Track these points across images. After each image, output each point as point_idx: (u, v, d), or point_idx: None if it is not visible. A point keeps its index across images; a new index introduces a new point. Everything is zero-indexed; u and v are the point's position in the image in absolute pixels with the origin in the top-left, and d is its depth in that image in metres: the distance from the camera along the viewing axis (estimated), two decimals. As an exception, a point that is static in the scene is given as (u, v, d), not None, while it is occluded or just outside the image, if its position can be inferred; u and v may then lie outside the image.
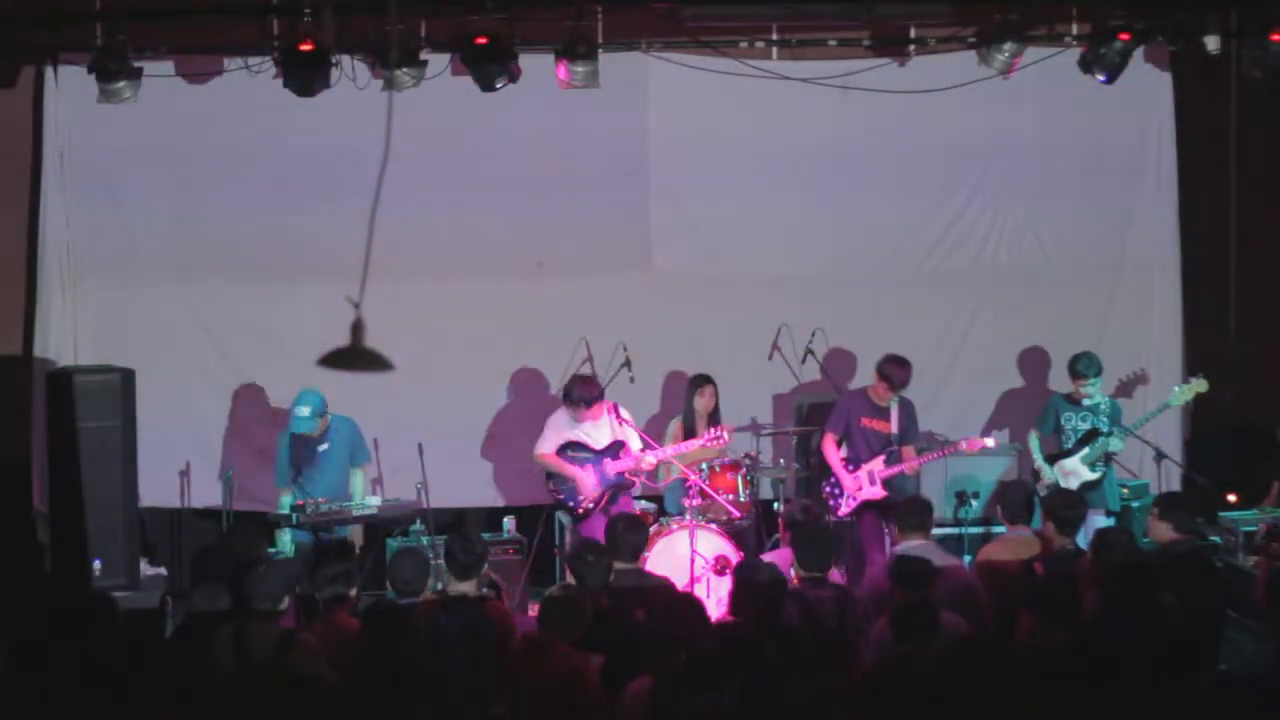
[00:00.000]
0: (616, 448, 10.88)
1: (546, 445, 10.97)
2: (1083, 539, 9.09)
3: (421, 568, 8.17)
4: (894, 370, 10.83)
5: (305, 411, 10.66)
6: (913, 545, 8.84)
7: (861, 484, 10.84)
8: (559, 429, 10.97)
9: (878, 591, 8.54)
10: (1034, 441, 11.21)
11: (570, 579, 8.37)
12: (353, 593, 7.98)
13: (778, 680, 6.57)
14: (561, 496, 10.99)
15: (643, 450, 10.86)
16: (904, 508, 9.28)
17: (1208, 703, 6.20)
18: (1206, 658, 7.38)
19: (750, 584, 7.93)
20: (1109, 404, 11.13)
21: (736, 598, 7.92)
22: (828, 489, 11.01)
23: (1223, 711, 6.12)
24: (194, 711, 7.04)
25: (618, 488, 10.90)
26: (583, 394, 10.83)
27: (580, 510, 10.91)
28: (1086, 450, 10.96)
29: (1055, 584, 7.81)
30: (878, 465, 10.84)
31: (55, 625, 7.30)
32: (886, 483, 10.84)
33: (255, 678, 7.19)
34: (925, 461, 10.96)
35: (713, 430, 10.97)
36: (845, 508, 10.88)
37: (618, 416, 10.91)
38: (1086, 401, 11.02)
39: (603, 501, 10.88)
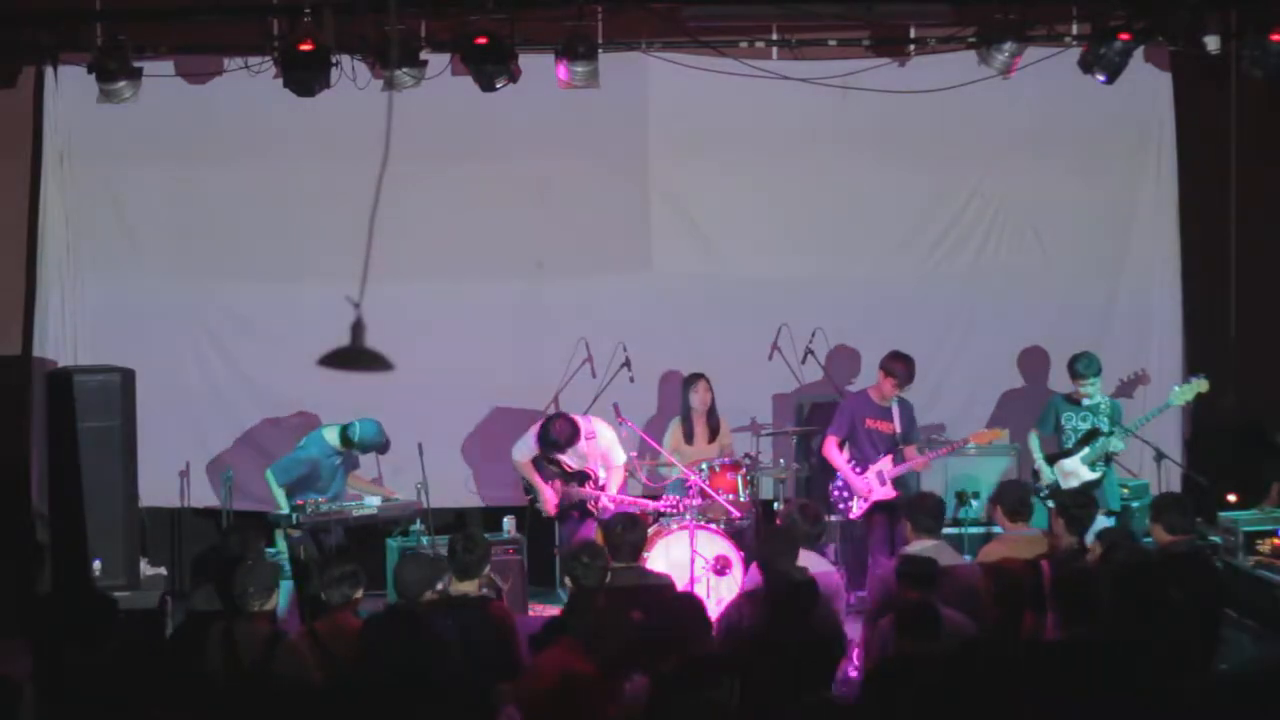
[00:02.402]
0: (582, 478, 10.94)
1: (523, 454, 11.05)
2: (1087, 538, 9.07)
3: (426, 573, 8.13)
4: (898, 366, 10.83)
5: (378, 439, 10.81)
6: (926, 545, 8.82)
7: (872, 485, 10.83)
8: (533, 444, 10.99)
9: (887, 592, 8.51)
10: (1034, 441, 11.20)
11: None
12: (359, 593, 7.97)
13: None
14: (530, 498, 11.17)
15: (602, 488, 10.95)
16: (918, 507, 9.18)
17: (1207, 702, 6.20)
18: (1205, 657, 7.38)
19: (783, 586, 7.90)
20: (1109, 404, 11.13)
21: (769, 599, 7.88)
22: (836, 491, 11.00)
23: (1222, 711, 6.12)
24: (192, 711, 7.03)
25: (575, 509, 11.01)
26: (559, 436, 10.78)
27: (543, 516, 11.09)
28: (1086, 450, 10.96)
29: (1072, 582, 7.75)
30: (886, 465, 10.82)
31: (55, 626, 7.29)
32: (895, 482, 10.84)
33: (242, 677, 7.19)
34: (935, 457, 10.96)
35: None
36: (857, 510, 10.86)
37: (616, 424, 10.93)
38: (1086, 401, 11.02)
39: (573, 513, 11.01)
